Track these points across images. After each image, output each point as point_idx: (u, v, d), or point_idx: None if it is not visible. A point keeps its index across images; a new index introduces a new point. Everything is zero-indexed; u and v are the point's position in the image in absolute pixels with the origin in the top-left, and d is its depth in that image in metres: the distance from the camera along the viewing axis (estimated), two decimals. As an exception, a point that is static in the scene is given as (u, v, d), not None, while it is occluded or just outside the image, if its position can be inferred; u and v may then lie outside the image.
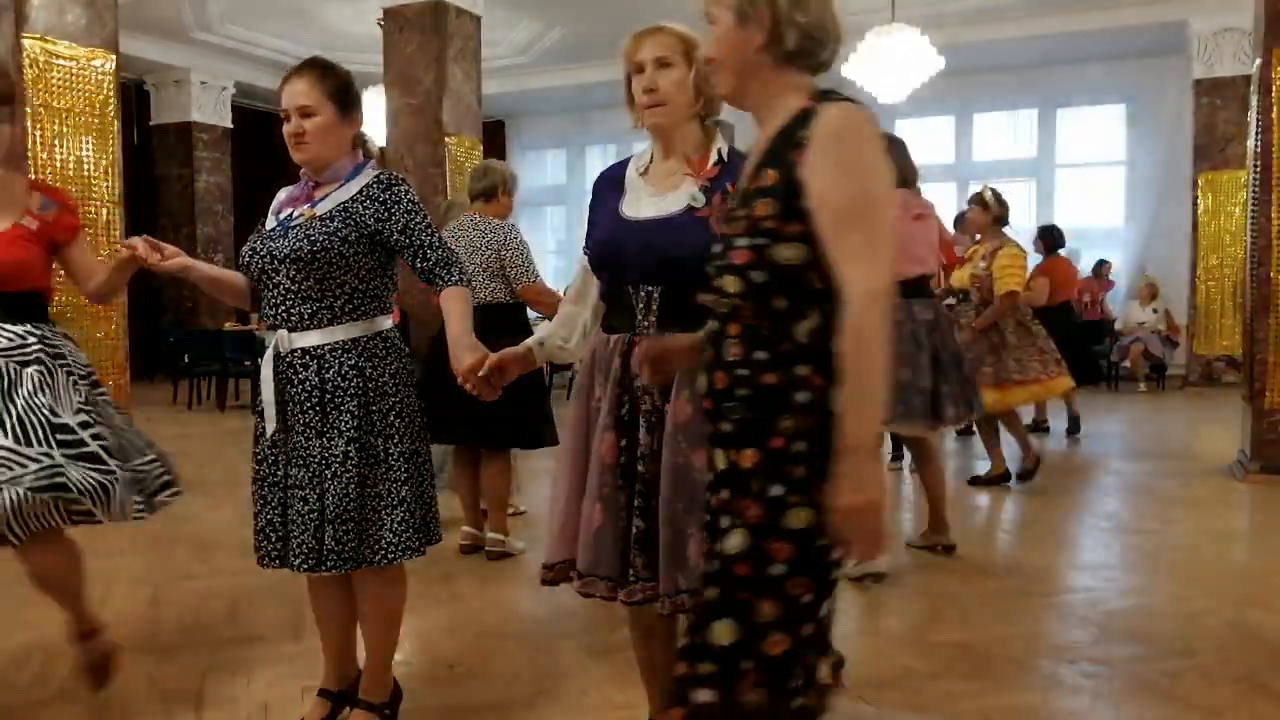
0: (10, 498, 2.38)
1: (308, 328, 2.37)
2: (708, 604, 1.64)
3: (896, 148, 4.19)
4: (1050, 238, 8.34)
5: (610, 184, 2.26)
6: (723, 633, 1.60)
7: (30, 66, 5.51)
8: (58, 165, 5.67)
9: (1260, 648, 3.17)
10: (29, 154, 5.53)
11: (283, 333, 2.39)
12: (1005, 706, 2.76)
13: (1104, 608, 3.60)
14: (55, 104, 5.64)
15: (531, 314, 4.40)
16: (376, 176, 2.46)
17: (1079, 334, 8.34)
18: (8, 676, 3.00)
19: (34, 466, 2.42)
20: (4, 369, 2.51)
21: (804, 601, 1.60)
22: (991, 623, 3.45)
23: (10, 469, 2.40)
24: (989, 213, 5.68)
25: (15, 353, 2.54)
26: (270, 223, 2.50)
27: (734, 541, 1.60)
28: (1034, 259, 8.47)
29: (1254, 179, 6.06)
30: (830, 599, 1.67)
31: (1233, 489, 5.75)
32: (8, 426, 2.45)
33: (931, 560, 4.22)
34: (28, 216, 2.64)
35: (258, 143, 14.22)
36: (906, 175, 4.18)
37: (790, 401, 1.57)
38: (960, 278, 5.75)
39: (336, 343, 2.37)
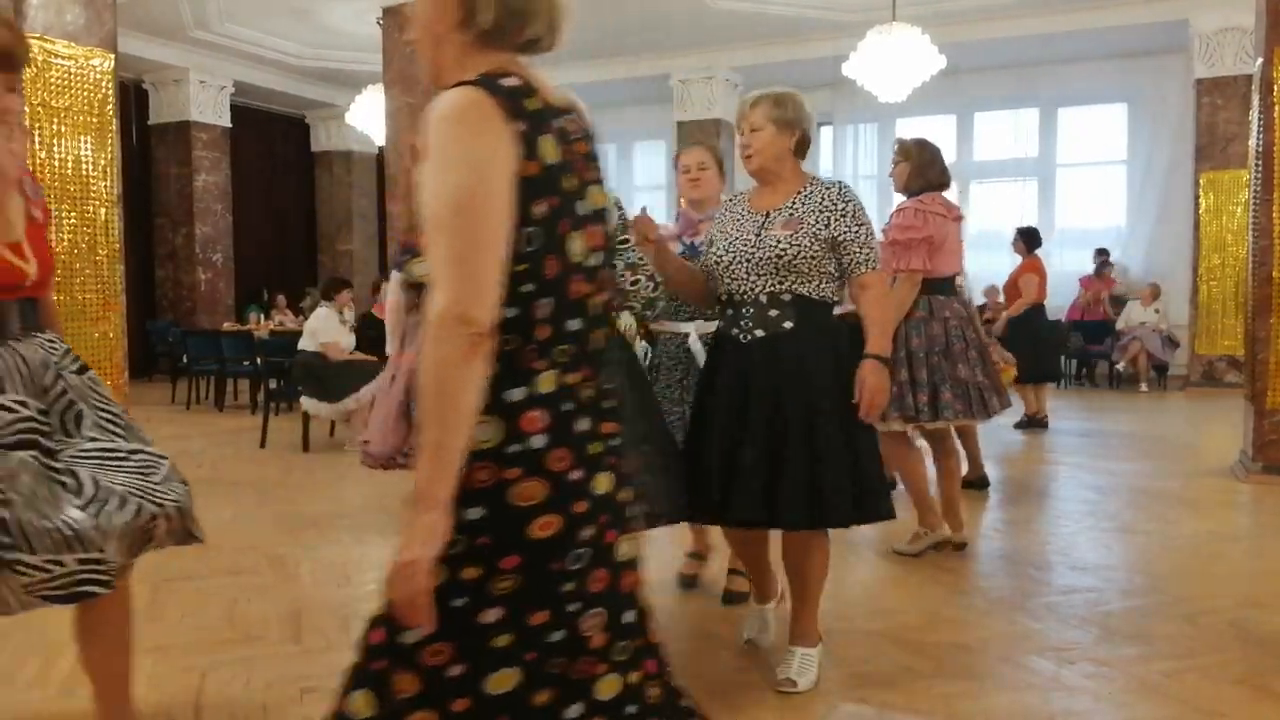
0: (184, 496, 2.23)
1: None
2: (351, 669, 1.47)
3: (927, 150, 4.30)
4: (1030, 238, 8.50)
5: None
6: (361, 704, 1.44)
7: (28, 66, 5.50)
8: (56, 164, 5.66)
9: (1262, 648, 3.17)
10: (27, 153, 5.52)
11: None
12: (1006, 707, 2.75)
13: (1104, 608, 3.59)
14: (54, 103, 5.63)
15: None
16: None
17: (1049, 333, 8.55)
18: (8, 676, 2.99)
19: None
20: (72, 382, 2.21)
21: (451, 673, 1.39)
22: (991, 623, 3.45)
23: (158, 468, 2.23)
24: None
25: (69, 363, 2.25)
26: None
27: (375, 607, 1.44)
28: (1014, 260, 8.63)
29: (1255, 178, 6.05)
30: (509, 671, 1.40)
31: (1234, 489, 5.74)
32: (130, 433, 2.25)
33: (931, 560, 4.21)
34: (34, 206, 2.23)
35: (256, 142, 14.24)
36: (944, 179, 4.34)
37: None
38: None
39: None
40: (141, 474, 2.18)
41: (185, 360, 10.44)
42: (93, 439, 2.16)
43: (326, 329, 7.38)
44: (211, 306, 13.16)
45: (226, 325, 11.44)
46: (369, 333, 7.95)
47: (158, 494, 2.18)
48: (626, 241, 2.84)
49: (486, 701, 1.40)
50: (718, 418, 2.78)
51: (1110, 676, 2.96)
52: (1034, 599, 3.71)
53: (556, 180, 1.40)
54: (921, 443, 4.61)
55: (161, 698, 2.82)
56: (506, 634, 1.39)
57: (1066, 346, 11.33)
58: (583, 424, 1.44)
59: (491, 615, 1.38)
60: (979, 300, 8.59)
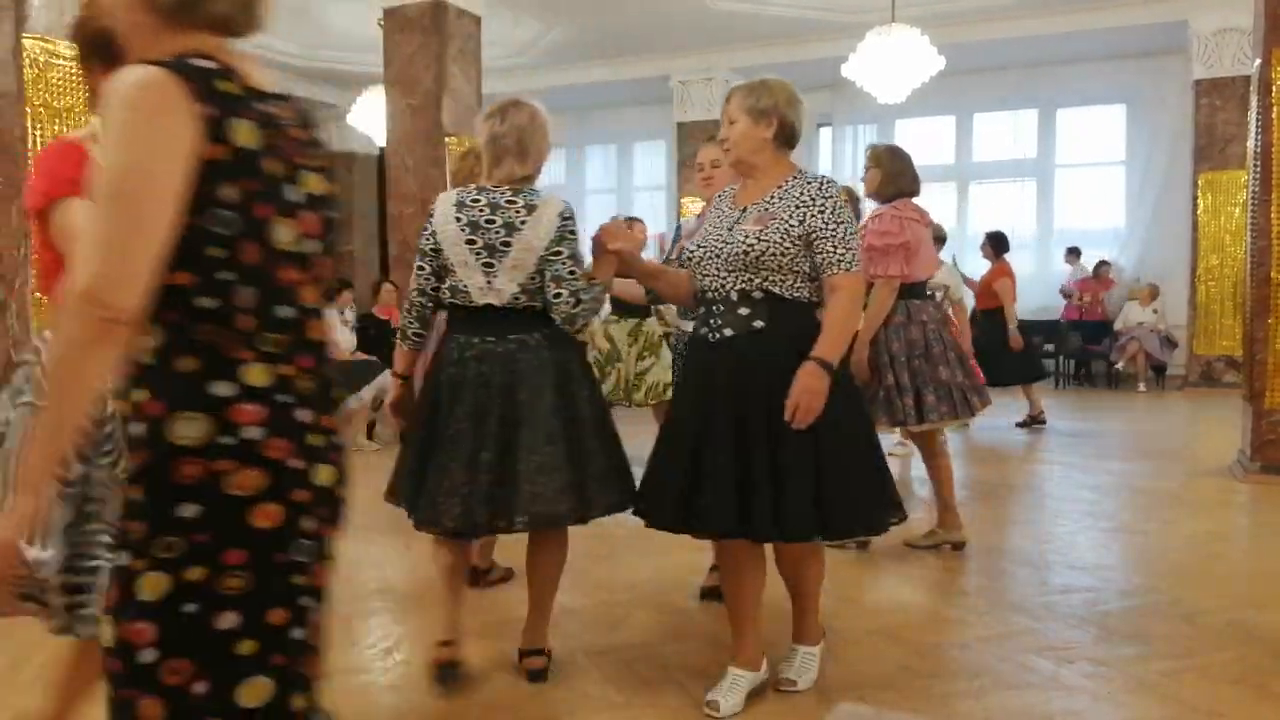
0: None
1: None
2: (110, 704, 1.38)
3: (899, 157, 4.35)
4: (998, 243, 8.53)
5: None
6: None
7: (30, 66, 5.50)
8: (57, 164, 5.66)
9: (1260, 648, 3.18)
10: (29, 154, 5.52)
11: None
12: (1005, 706, 2.76)
13: (1103, 607, 3.60)
14: (55, 104, 5.63)
15: None
16: None
17: (1026, 335, 8.57)
18: (8, 676, 3.00)
19: None
20: None
21: (196, 691, 1.32)
22: (991, 623, 3.46)
23: None
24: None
25: None
26: None
27: (105, 632, 1.36)
28: (983, 265, 8.64)
29: (1254, 179, 6.06)
30: (262, 680, 1.35)
31: (1233, 489, 5.74)
32: None
33: (930, 560, 4.22)
34: None
35: (257, 142, 14.23)
36: (914, 186, 4.38)
37: (129, 437, 1.34)
38: None
39: None
40: None
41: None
42: None
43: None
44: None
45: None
46: (369, 333, 7.98)
47: None
48: (560, 253, 2.69)
49: (243, 717, 1.34)
50: (684, 421, 2.70)
51: (1109, 676, 2.97)
52: (1033, 599, 3.72)
53: (254, 164, 1.36)
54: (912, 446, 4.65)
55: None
56: (249, 639, 1.33)
57: (1067, 345, 11.36)
58: (302, 415, 1.40)
59: (228, 620, 1.33)
60: (971, 301, 8.58)
